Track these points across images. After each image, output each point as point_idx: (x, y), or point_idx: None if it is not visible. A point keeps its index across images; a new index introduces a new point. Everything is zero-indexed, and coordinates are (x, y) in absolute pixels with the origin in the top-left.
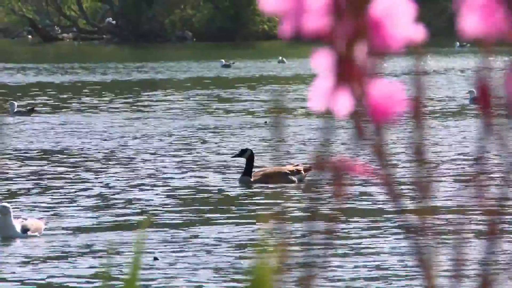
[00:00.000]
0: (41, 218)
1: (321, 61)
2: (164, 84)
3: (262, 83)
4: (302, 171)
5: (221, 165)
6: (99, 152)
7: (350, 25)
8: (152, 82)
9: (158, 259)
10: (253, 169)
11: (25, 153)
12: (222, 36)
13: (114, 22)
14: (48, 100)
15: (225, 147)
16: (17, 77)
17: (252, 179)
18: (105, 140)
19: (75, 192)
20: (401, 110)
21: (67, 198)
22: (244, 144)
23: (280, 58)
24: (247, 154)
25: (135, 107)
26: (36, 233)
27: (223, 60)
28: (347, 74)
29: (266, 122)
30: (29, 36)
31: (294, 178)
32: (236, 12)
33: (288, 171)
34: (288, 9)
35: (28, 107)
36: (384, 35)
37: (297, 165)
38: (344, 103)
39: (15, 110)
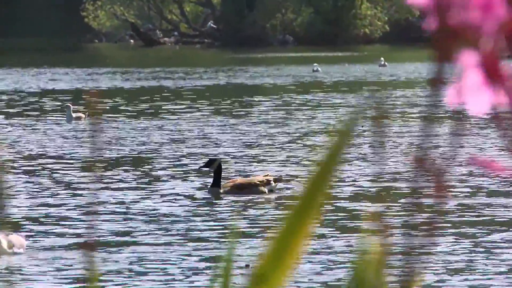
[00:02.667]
0: (20, 234)
1: (466, 58)
2: (258, 89)
3: (361, 87)
4: (272, 182)
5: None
6: (176, 157)
7: (498, 21)
8: (248, 87)
9: (249, 266)
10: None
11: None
12: (323, 39)
13: (215, 26)
14: (144, 104)
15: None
16: (118, 81)
17: (221, 190)
18: (191, 145)
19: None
20: None
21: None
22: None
23: (382, 62)
24: (215, 165)
25: (229, 113)
26: (21, 250)
27: (316, 65)
28: (491, 72)
29: (362, 126)
30: (131, 41)
31: (264, 189)
32: (337, 16)
33: (258, 182)
34: (434, 3)
35: (86, 112)
36: None
37: (267, 175)
38: (485, 101)
39: (73, 115)
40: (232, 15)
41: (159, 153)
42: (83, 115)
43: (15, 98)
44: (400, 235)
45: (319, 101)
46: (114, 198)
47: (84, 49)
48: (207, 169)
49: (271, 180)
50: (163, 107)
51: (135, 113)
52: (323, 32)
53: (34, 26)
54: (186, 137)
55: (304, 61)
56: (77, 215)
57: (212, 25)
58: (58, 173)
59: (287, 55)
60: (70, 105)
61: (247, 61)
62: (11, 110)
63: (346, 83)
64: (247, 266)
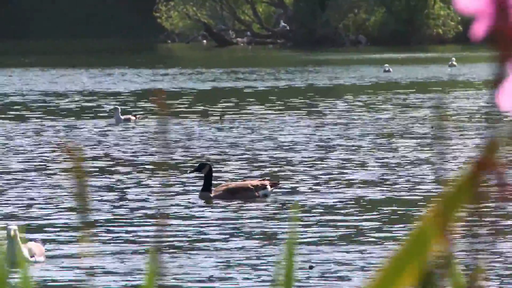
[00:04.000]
0: (37, 241)
1: None
2: (331, 90)
3: (429, 88)
4: (268, 186)
5: (378, 178)
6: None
7: None
8: (320, 88)
9: (313, 267)
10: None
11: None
12: (396, 40)
13: (287, 26)
14: (216, 105)
15: (386, 158)
16: (191, 82)
17: (212, 195)
18: (263, 147)
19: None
20: None
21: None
22: (406, 151)
23: (451, 62)
24: (206, 170)
25: (302, 114)
26: (41, 258)
27: (387, 65)
28: None
29: (432, 127)
30: (204, 41)
31: (257, 194)
32: (410, 16)
33: (251, 186)
34: (484, 9)
35: (135, 114)
36: None
37: (263, 179)
38: None
39: (122, 117)
40: (304, 15)
41: (230, 155)
42: (132, 117)
43: (89, 99)
44: (462, 239)
45: (389, 101)
46: (180, 202)
47: (157, 49)
48: (197, 173)
49: (267, 185)
50: (235, 108)
51: (207, 114)
52: (396, 32)
53: (108, 27)
54: (258, 138)
55: (376, 61)
56: (131, 218)
57: (284, 25)
58: (110, 174)
59: (360, 55)
60: (118, 107)
61: (320, 61)
62: (81, 112)
63: (415, 83)
64: (310, 267)
